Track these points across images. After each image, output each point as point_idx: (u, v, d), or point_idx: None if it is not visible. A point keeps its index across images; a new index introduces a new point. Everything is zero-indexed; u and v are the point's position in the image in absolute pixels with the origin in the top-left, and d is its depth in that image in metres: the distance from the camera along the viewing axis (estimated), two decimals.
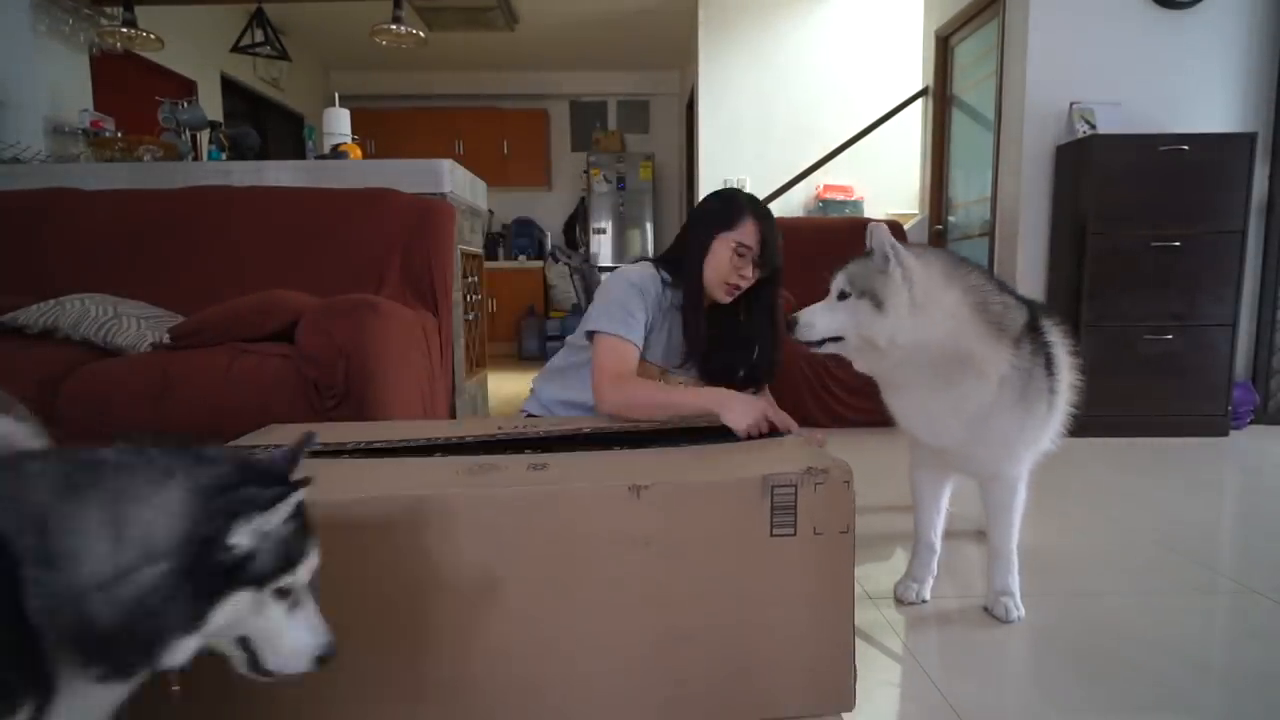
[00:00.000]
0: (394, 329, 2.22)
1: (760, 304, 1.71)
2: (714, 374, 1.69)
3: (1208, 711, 1.23)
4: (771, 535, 1.08)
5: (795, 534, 1.08)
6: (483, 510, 1.05)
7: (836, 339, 1.37)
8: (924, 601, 1.59)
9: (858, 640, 1.44)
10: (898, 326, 1.28)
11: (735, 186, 1.76)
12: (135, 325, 2.26)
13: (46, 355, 2.12)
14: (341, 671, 1.05)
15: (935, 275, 1.33)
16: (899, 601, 1.60)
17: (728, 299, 1.65)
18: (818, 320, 1.38)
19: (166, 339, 2.24)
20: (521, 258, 7.31)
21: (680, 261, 1.67)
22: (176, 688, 0.91)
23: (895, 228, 3.97)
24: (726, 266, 1.61)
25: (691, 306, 1.65)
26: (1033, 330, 1.41)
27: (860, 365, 1.40)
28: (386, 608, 1.05)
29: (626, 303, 1.60)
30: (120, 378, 2.05)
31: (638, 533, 1.06)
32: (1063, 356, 1.48)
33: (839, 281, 1.39)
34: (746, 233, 1.60)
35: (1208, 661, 1.37)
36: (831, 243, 3.92)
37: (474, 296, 3.41)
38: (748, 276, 1.63)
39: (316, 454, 1.30)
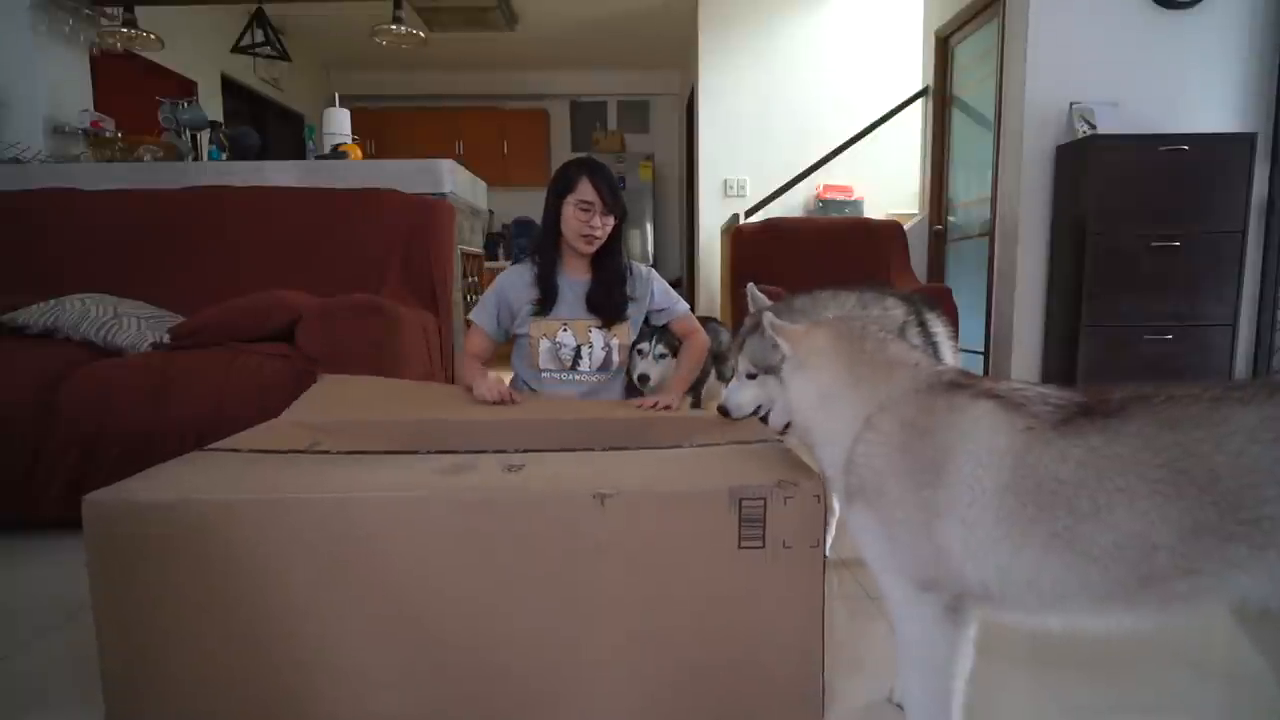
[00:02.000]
0: (394, 329, 2.22)
1: (611, 244, 2.04)
2: (598, 310, 2.04)
3: (1208, 711, 1.23)
4: (739, 547, 1.08)
5: (764, 547, 1.08)
6: (453, 514, 1.07)
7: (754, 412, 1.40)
8: None
9: (854, 638, 1.44)
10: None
11: (581, 156, 2.13)
12: (135, 325, 2.26)
13: (46, 355, 2.12)
14: (325, 664, 1.06)
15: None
16: None
17: (589, 248, 2.00)
18: (742, 398, 1.39)
19: (166, 339, 2.24)
20: (522, 258, 7.31)
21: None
22: None
23: (895, 227, 3.97)
24: (575, 223, 1.96)
25: (544, 263, 2.03)
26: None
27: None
28: (355, 606, 1.06)
29: (484, 299, 2.10)
30: (120, 378, 2.05)
31: (602, 539, 1.07)
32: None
33: (743, 364, 1.40)
34: (583, 190, 1.94)
35: (1208, 661, 1.37)
36: (831, 243, 3.95)
37: (474, 297, 3.41)
38: (598, 225, 1.96)
39: (297, 452, 1.30)
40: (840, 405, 1.03)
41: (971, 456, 0.89)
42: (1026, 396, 0.92)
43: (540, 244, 2.06)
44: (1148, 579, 0.83)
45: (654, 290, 2.12)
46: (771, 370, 1.32)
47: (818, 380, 1.06)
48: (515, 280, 2.07)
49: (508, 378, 2.15)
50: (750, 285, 1.49)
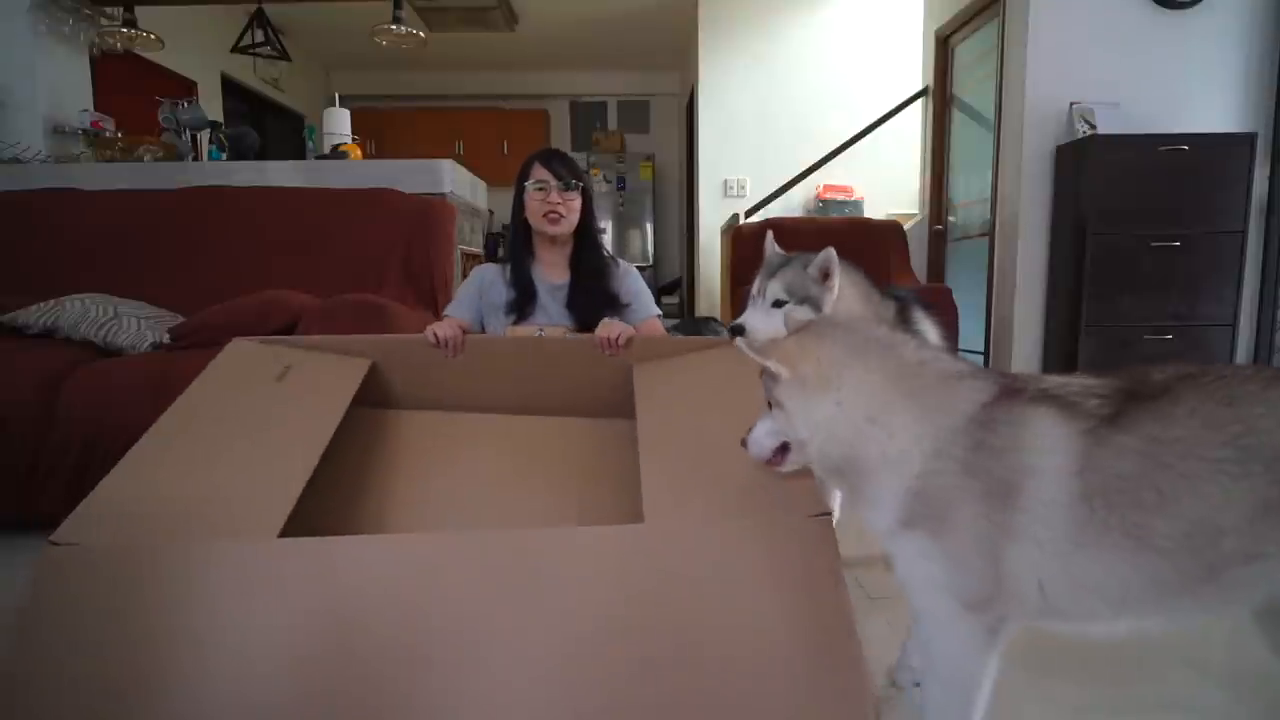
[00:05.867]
0: (394, 329, 2.22)
1: (586, 237, 2.01)
2: (579, 312, 1.95)
3: (1208, 711, 1.23)
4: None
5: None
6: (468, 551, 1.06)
7: None
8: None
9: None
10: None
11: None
12: (135, 325, 2.26)
13: (46, 355, 2.12)
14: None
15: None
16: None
17: (555, 227, 1.94)
18: (763, 324, 1.45)
19: (166, 339, 2.24)
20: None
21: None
22: None
23: (895, 227, 3.97)
24: (536, 204, 1.94)
25: (516, 262, 1.98)
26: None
27: None
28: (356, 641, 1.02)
29: (460, 294, 2.04)
30: (120, 378, 2.05)
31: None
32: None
33: (773, 290, 1.47)
34: (537, 172, 1.94)
35: (1208, 661, 1.37)
36: (831, 243, 3.93)
37: None
38: (557, 200, 1.93)
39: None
40: (896, 428, 0.91)
41: (1043, 473, 0.84)
42: (1075, 391, 0.87)
43: (511, 242, 2.03)
44: (1214, 568, 0.81)
45: (625, 286, 2.02)
46: (806, 301, 1.42)
47: (857, 403, 0.92)
48: (493, 277, 2.02)
49: None
50: (769, 234, 1.57)
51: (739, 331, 1.48)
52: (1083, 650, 1.38)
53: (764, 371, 0.96)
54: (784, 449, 1.01)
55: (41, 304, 2.27)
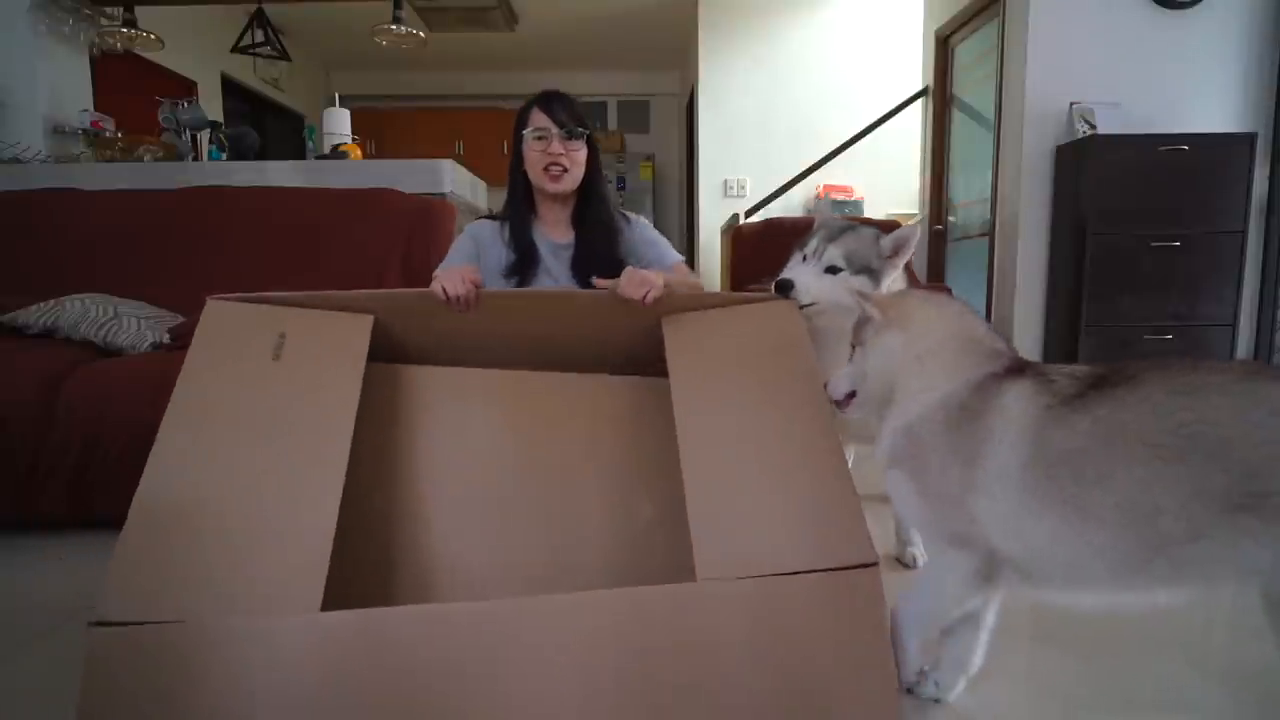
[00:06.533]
0: None
1: (591, 189, 1.81)
2: (585, 273, 1.71)
3: (1208, 711, 1.23)
4: None
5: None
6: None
7: (809, 304, 1.46)
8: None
9: None
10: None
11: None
12: (135, 325, 2.26)
13: (46, 355, 2.12)
14: None
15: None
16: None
17: (557, 184, 1.74)
18: (814, 284, 1.45)
19: (166, 339, 2.24)
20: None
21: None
22: None
23: (894, 228, 3.96)
24: (536, 155, 1.74)
25: (516, 220, 1.79)
26: None
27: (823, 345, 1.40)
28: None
29: (453, 251, 1.83)
30: (120, 378, 2.05)
31: None
32: None
33: (831, 255, 1.47)
34: (535, 119, 1.73)
35: (1208, 661, 1.37)
36: None
37: None
38: (559, 152, 1.72)
39: None
40: (930, 371, 1.07)
41: (1003, 436, 0.96)
42: (1061, 374, 0.98)
43: (510, 198, 1.81)
44: (1157, 545, 0.86)
45: (638, 239, 1.82)
46: (865, 272, 1.44)
47: (915, 344, 1.09)
48: (488, 235, 1.80)
49: None
50: (824, 195, 1.58)
51: (787, 287, 1.43)
52: (1081, 646, 1.38)
53: (859, 317, 1.17)
54: (852, 395, 1.18)
55: (41, 304, 2.27)
